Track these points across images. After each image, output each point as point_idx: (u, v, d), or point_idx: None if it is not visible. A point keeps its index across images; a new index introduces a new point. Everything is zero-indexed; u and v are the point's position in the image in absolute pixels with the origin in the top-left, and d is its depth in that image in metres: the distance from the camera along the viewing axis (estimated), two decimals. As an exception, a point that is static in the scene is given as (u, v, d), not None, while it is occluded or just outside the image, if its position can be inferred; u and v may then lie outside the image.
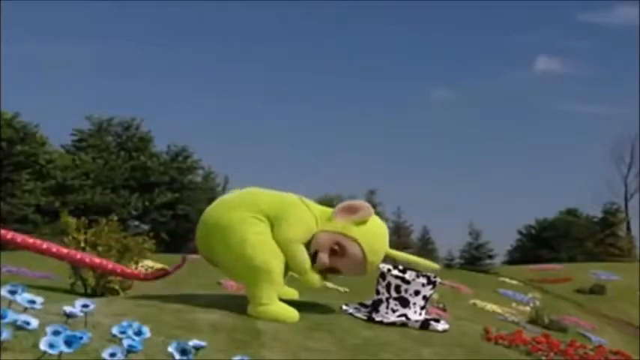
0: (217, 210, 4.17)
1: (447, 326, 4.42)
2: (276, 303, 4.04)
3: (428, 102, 69.03)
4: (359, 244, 4.04)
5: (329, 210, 4.18)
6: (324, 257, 4.04)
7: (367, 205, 4.13)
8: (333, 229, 4.04)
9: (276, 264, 3.99)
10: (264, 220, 4.02)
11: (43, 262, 15.40)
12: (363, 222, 4.08)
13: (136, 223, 37.76)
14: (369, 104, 69.28)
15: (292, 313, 4.04)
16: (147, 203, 37.45)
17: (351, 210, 4.09)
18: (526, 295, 22.09)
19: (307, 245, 4.09)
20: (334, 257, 4.06)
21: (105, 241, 12.34)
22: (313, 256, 4.07)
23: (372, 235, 4.11)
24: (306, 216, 4.07)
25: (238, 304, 4.13)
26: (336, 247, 4.03)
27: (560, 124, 69.00)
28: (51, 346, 2.35)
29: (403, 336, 4.07)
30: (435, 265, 4.62)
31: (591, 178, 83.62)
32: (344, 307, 4.55)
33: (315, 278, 4.11)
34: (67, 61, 63.38)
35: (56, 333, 2.42)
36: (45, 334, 2.42)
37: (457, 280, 21.92)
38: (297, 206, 4.11)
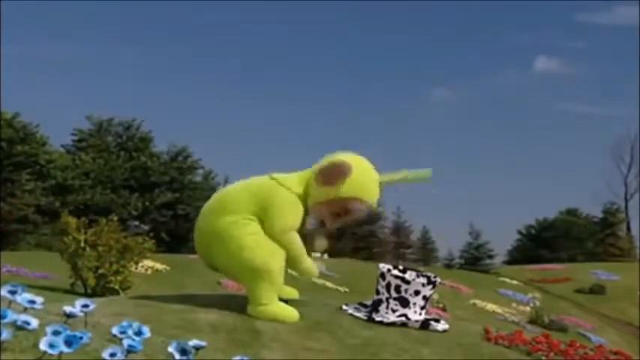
0: (209, 218, 4.14)
1: (447, 326, 4.43)
2: (275, 303, 4.04)
3: (428, 102, 69.05)
4: (357, 198, 4.03)
5: (304, 176, 4.07)
6: (331, 224, 4.05)
7: (342, 164, 3.97)
8: (327, 198, 3.98)
9: (276, 263, 3.98)
10: (254, 218, 4.00)
11: (43, 262, 15.42)
12: None
13: (136, 223, 37.73)
14: (369, 104, 69.25)
15: (292, 313, 4.04)
16: (147, 203, 37.42)
17: (332, 177, 3.96)
18: (526, 295, 22.09)
19: (301, 232, 4.08)
20: (339, 218, 4.06)
21: (105, 241, 12.33)
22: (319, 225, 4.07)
23: (362, 180, 4.03)
24: (290, 198, 4.02)
25: (238, 304, 4.13)
26: (339, 211, 4.03)
27: (560, 124, 69.08)
28: (51, 346, 2.35)
29: (403, 336, 4.08)
30: (427, 173, 4.46)
31: (591, 178, 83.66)
32: (344, 307, 4.55)
33: (312, 266, 4.10)
34: (67, 61, 63.37)
35: (56, 333, 2.42)
36: (45, 334, 2.42)
37: (457, 280, 21.91)
38: (277, 191, 4.04)
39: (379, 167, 4.19)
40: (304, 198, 4.01)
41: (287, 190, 4.01)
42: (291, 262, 4.08)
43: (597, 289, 24.85)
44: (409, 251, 47.28)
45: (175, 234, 37.57)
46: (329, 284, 16.64)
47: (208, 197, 4.44)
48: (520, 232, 49.78)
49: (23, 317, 2.57)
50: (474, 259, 38.39)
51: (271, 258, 3.97)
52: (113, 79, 65.55)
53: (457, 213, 64.46)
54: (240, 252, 3.94)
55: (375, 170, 4.15)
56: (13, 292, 2.73)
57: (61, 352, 2.36)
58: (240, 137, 67.05)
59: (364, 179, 4.06)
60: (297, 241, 4.02)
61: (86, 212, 26.45)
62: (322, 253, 4.34)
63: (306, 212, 4.05)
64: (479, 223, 53.26)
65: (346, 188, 3.96)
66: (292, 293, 4.44)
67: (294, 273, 4.31)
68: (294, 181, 4.07)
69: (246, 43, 69.11)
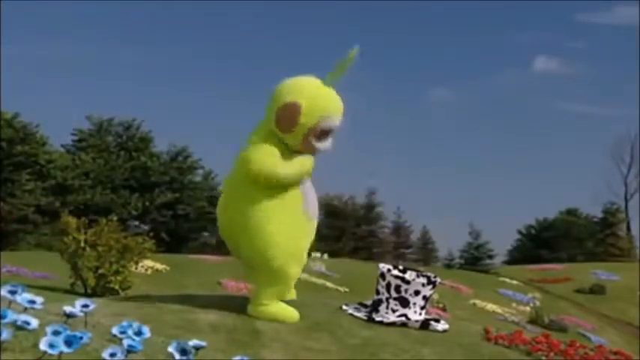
0: (234, 210, 4.18)
1: (447, 326, 4.43)
2: (275, 303, 4.05)
3: (427, 102, 69.03)
4: (325, 117, 4.09)
5: (259, 126, 4.20)
6: (324, 147, 4.16)
7: (289, 105, 4.06)
8: (302, 139, 4.08)
9: (293, 268, 4.04)
10: (276, 206, 4.02)
11: (43, 262, 15.41)
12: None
13: (136, 223, 37.71)
14: (369, 104, 69.25)
15: (292, 314, 4.04)
16: (147, 203, 37.40)
17: (287, 121, 4.05)
18: (526, 295, 22.06)
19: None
20: (325, 138, 4.16)
21: (105, 241, 12.31)
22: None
23: (319, 100, 4.13)
24: (252, 149, 4.09)
25: (238, 305, 4.13)
26: (320, 135, 4.10)
27: (560, 124, 69.01)
28: (51, 346, 2.35)
29: (403, 336, 4.08)
30: (354, 51, 4.27)
31: (591, 178, 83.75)
32: (344, 307, 4.56)
33: (308, 159, 4.16)
34: (67, 61, 63.36)
35: (56, 333, 2.42)
36: (45, 334, 2.42)
37: (457, 280, 21.88)
38: (246, 156, 4.12)
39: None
40: (272, 136, 4.08)
41: (257, 146, 4.10)
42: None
43: (597, 289, 24.81)
44: (409, 251, 47.28)
45: (175, 234, 37.56)
46: (329, 284, 16.62)
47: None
48: (520, 232, 49.77)
49: (23, 317, 2.57)
50: (474, 259, 38.34)
51: (293, 263, 4.02)
52: (113, 79, 65.55)
53: (457, 213, 64.40)
54: (267, 248, 3.98)
55: (321, 80, 4.22)
56: (13, 292, 2.74)
57: (61, 352, 2.36)
58: (241, 137, 66.92)
59: (320, 98, 4.15)
60: (278, 172, 4.01)
61: (86, 212, 26.44)
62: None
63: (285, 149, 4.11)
64: (479, 223, 53.14)
65: (309, 118, 4.05)
66: (290, 294, 4.45)
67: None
68: (253, 138, 4.19)
69: (246, 43, 69.08)
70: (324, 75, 4.26)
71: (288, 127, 4.05)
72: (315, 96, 4.13)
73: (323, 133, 4.12)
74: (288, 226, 4.00)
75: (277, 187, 4.02)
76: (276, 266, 3.96)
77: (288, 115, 4.04)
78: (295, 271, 4.06)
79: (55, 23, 63.79)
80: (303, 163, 4.12)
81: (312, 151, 4.14)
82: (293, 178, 4.07)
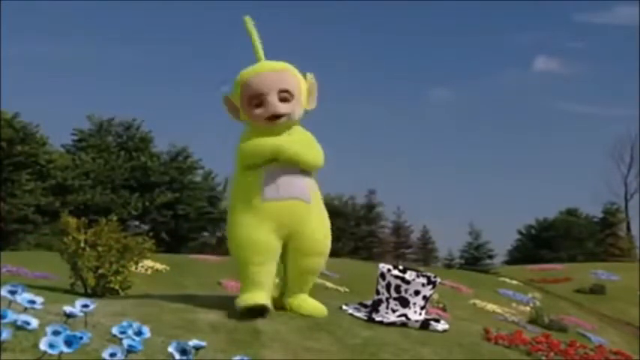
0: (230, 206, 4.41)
1: (447, 326, 4.43)
2: (246, 292, 4.17)
3: (427, 102, 69.05)
4: (241, 90, 4.32)
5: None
6: (262, 112, 4.29)
7: (224, 103, 4.47)
8: (247, 113, 4.34)
9: (256, 258, 4.06)
10: (233, 185, 4.32)
11: (43, 262, 15.41)
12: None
13: (136, 223, 37.70)
14: (369, 104, 69.27)
15: (256, 298, 4.07)
16: (147, 203, 37.38)
17: (231, 112, 4.46)
18: (526, 295, 22.04)
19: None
20: (265, 103, 4.29)
21: (105, 241, 12.29)
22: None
23: (238, 81, 4.43)
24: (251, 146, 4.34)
25: (238, 305, 4.12)
26: (283, 96, 4.30)
27: (560, 124, 69.03)
28: (51, 346, 2.35)
29: (403, 336, 4.08)
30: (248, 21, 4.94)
31: (591, 178, 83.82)
32: (344, 307, 4.56)
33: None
34: (67, 61, 63.38)
35: (56, 333, 2.42)
36: (45, 334, 2.42)
37: (457, 280, 21.87)
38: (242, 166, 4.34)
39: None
40: (254, 132, 4.37)
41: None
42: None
43: (597, 289, 24.80)
44: (409, 251, 47.28)
45: (175, 234, 37.57)
46: (329, 284, 16.60)
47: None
48: (520, 232, 49.78)
49: (23, 317, 2.57)
50: (474, 259, 38.34)
51: (252, 250, 4.07)
52: (113, 79, 65.59)
53: (457, 213, 64.43)
54: (231, 241, 4.19)
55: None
56: (13, 292, 2.74)
57: (61, 352, 2.36)
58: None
59: (238, 79, 4.45)
60: (288, 153, 4.22)
61: (86, 212, 26.42)
62: None
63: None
64: (479, 223, 53.25)
65: (236, 98, 4.36)
66: (319, 310, 4.35)
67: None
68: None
69: (246, 43, 68.97)
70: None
71: (235, 115, 4.44)
72: (238, 79, 4.45)
73: (252, 102, 4.29)
74: (245, 216, 4.06)
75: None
76: (238, 257, 4.10)
77: (227, 108, 4.46)
78: (257, 260, 4.05)
79: (55, 23, 63.87)
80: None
81: (258, 120, 4.33)
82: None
